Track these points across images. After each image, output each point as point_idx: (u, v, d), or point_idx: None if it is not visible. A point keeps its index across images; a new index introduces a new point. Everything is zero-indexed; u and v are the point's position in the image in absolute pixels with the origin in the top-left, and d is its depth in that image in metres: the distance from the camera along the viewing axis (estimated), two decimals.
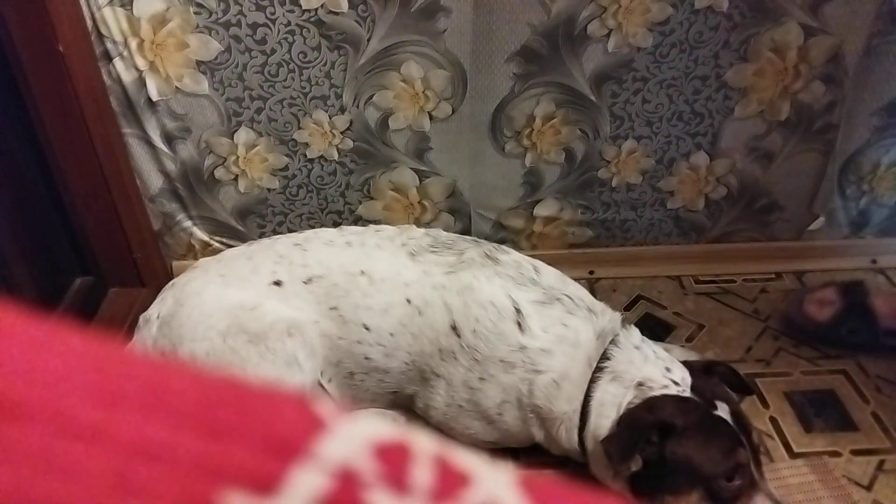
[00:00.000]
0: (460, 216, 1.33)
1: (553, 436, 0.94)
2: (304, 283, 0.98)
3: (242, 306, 0.95)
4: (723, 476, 0.82)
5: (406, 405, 1.04)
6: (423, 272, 0.98)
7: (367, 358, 0.99)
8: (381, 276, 0.98)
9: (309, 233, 1.07)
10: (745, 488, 0.83)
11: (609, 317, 0.98)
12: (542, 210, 1.32)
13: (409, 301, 0.97)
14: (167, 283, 1.05)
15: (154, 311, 1.00)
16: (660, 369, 0.90)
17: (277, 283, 0.98)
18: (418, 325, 0.97)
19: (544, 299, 0.96)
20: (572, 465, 0.97)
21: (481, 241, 1.06)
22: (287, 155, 1.23)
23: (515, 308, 0.95)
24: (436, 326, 0.96)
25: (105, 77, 1.12)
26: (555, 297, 0.97)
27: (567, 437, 0.93)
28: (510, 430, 0.97)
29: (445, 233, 1.08)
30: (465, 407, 0.97)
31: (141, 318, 1.01)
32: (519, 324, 0.94)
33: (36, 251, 1.14)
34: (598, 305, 1.00)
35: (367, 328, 0.97)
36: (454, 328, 0.96)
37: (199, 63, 1.12)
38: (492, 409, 0.96)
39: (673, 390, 0.87)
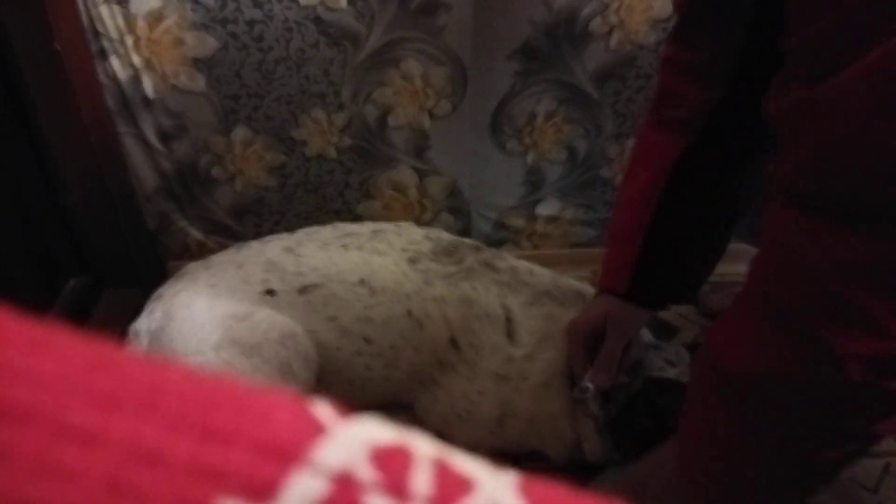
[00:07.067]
0: (460, 215, 1.32)
1: (562, 438, 0.93)
2: (300, 292, 0.95)
3: (234, 316, 0.92)
4: None
5: (406, 405, 1.03)
6: (423, 282, 0.96)
7: (367, 368, 0.97)
8: (381, 287, 0.96)
9: (301, 234, 1.03)
10: None
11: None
12: (543, 209, 1.31)
13: (410, 314, 0.95)
14: (163, 283, 1.01)
15: (143, 324, 0.95)
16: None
17: (270, 293, 0.95)
18: (419, 338, 0.95)
19: (533, 299, 0.95)
20: (573, 469, 0.96)
21: (482, 247, 1.04)
22: (284, 153, 1.22)
23: (507, 318, 0.94)
24: (436, 340, 0.95)
25: (101, 75, 1.11)
26: (544, 292, 0.97)
27: (586, 433, 0.91)
28: (513, 441, 0.95)
29: (447, 235, 1.06)
30: (464, 417, 0.96)
31: (131, 329, 0.97)
32: (508, 334, 0.93)
33: (31, 250, 1.13)
34: (589, 289, 0.99)
35: (367, 340, 0.95)
36: (453, 342, 0.94)
37: (195, 60, 1.11)
38: (491, 420, 0.94)
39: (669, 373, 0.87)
